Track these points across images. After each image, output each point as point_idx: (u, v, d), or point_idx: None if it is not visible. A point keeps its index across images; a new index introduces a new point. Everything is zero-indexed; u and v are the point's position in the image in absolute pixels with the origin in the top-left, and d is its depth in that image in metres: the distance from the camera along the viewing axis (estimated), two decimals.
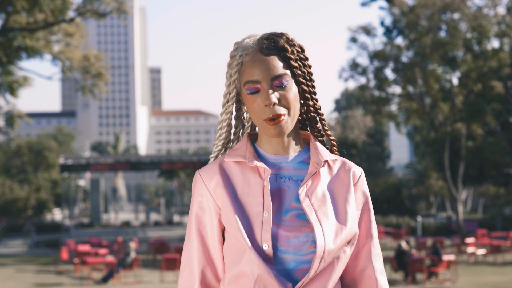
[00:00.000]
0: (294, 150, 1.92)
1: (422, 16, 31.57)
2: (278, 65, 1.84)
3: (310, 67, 1.93)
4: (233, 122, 2.00)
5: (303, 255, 1.78)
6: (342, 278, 1.91)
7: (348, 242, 1.85)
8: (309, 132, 2.00)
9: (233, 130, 2.00)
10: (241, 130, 2.01)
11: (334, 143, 2.01)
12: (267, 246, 1.78)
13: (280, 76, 1.84)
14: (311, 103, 1.94)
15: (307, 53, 1.94)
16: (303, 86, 1.90)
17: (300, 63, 1.90)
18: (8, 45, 25.94)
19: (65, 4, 25.07)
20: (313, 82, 1.95)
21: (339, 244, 1.80)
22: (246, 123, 2.02)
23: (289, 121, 1.84)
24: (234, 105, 1.97)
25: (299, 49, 1.91)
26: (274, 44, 1.87)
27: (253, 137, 1.98)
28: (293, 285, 1.78)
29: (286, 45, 1.87)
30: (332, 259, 1.81)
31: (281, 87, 1.84)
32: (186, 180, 54.64)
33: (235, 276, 1.81)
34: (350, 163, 1.95)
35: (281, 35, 1.90)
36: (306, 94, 1.92)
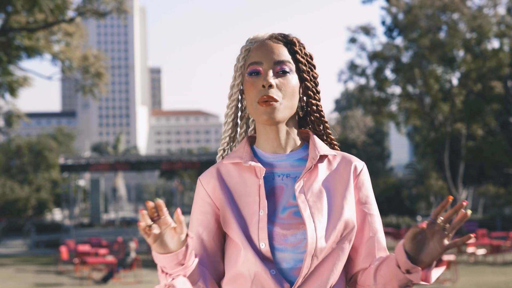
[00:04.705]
0: (292, 147, 1.90)
1: (421, 16, 31.56)
2: (283, 53, 1.85)
3: (317, 75, 1.93)
4: (239, 121, 2.00)
5: (301, 253, 1.75)
6: (345, 274, 1.87)
7: (345, 239, 1.80)
8: (308, 129, 1.98)
9: (239, 130, 2.00)
10: (249, 128, 2.01)
11: (337, 148, 2.00)
12: (264, 245, 1.75)
13: (283, 62, 1.84)
14: (314, 101, 1.91)
15: (315, 62, 1.94)
16: (306, 83, 1.89)
17: (306, 62, 1.90)
18: (8, 45, 25.93)
19: (65, 4, 25.08)
20: (318, 86, 1.94)
21: (332, 240, 1.76)
22: (251, 125, 2.01)
23: (281, 109, 1.82)
24: (239, 97, 1.96)
25: (309, 55, 1.93)
26: (284, 37, 1.90)
27: (253, 140, 1.97)
28: (292, 284, 1.74)
29: (295, 40, 1.90)
30: (328, 256, 1.77)
31: (283, 74, 1.83)
32: (185, 180, 54.63)
33: (234, 276, 1.80)
34: (350, 157, 1.91)
35: (293, 36, 1.93)
36: (310, 92, 1.90)
